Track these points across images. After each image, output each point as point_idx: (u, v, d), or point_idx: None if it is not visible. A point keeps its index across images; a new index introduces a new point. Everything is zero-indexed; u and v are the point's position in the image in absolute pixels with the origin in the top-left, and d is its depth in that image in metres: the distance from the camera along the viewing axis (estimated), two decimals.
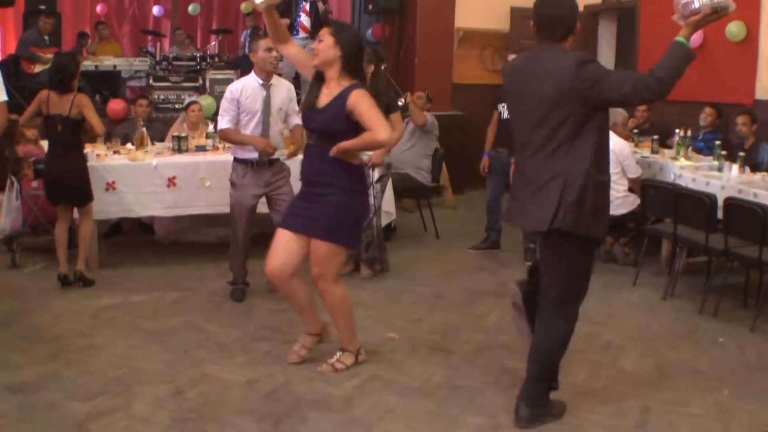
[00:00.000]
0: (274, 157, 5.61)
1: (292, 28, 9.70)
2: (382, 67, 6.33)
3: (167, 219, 7.27)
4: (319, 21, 9.49)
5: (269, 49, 5.43)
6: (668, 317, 5.60)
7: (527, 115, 3.75)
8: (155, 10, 14.06)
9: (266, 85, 5.54)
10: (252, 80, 5.56)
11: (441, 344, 4.94)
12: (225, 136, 5.72)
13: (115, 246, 7.32)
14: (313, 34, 9.38)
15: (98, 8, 13.59)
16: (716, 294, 5.68)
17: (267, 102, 5.54)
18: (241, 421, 3.82)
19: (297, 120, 5.73)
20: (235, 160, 5.68)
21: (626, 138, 7.07)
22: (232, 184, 5.69)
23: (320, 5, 9.49)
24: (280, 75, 7.50)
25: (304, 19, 9.49)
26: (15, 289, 5.94)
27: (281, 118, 5.71)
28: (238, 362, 4.57)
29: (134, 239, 7.65)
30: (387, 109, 6.16)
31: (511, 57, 6.98)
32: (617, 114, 6.81)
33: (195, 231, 7.49)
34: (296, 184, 4.97)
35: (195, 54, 10.64)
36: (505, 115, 7.06)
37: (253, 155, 5.55)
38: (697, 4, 3.46)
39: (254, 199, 5.65)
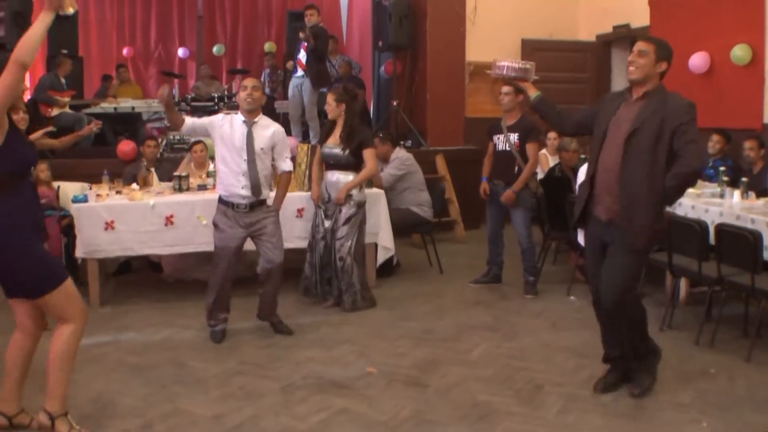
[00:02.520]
0: (261, 197, 5.57)
1: (293, 68, 9.83)
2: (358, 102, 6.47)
3: (174, 257, 7.37)
4: (310, 59, 9.56)
5: (244, 88, 5.53)
6: (661, 349, 5.47)
7: None
8: (180, 51, 14.36)
9: (248, 123, 5.53)
10: (238, 116, 5.60)
11: (417, 379, 4.91)
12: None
13: (121, 284, 7.45)
14: (308, 72, 9.51)
15: (124, 51, 13.94)
16: (717, 324, 5.56)
17: (249, 139, 5.50)
18: None
19: (284, 166, 5.76)
20: (219, 200, 5.66)
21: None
22: (215, 226, 5.66)
23: (301, 34, 9.52)
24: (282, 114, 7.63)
25: (302, 56, 9.57)
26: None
27: (265, 159, 5.62)
28: (212, 397, 4.60)
29: (141, 277, 7.77)
30: (359, 145, 6.28)
31: (506, 89, 7.01)
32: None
33: (199, 268, 7.57)
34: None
35: (213, 95, 10.81)
36: (501, 147, 7.03)
37: (233, 197, 5.53)
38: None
39: (239, 241, 5.60)
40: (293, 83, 9.78)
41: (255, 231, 5.60)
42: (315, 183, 6.55)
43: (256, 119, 5.57)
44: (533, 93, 4.82)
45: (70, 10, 3.66)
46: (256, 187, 5.51)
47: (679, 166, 4.20)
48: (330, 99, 6.42)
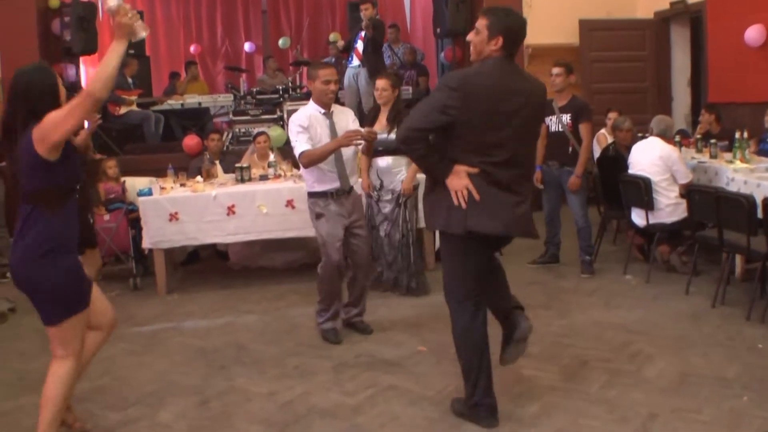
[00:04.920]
0: (353, 183, 5.50)
1: (349, 54, 10.01)
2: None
3: (240, 245, 7.65)
4: (368, 49, 9.72)
5: (327, 82, 5.30)
6: (711, 325, 5.48)
7: (522, 132, 3.85)
8: (247, 46, 14.70)
9: (328, 114, 5.41)
10: (313, 110, 5.41)
11: None
12: (307, 158, 5.25)
13: (188, 273, 7.80)
14: (365, 62, 9.69)
15: (192, 48, 14.36)
16: None
17: (333, 130, 5.37)
18: (251, 428, 4.10)
19: None
20: (312, 195, 5.44)
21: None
22: (318, 216, 5.40)
23: (364, 22, 9.69)
24: (342, 104, 7.85)
25: (360, 46, 9.74)
26: None
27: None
28: (268, 376, 4.84)
29: (208, 266, 8.10)
30: None
31: (557, 70, 7.05)
32: (661, 121, 6.77)
33: (264, 256, 7.85)
34: None
35: (278, 87, 11.05)
36: (553, 128, 7.06)
37: (333, 185, 5.38)
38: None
39: (344, 228, 5.40)
40: (349, 73, 9.96)
41: (352, 222, 5.44)
42: (365, 173, 6.62)
43: (332, 108, 5.46)
44: None
45: (143, 34, 3.56)
46: (344, 178, 5.40)
47: None
48: (385, 84, 6.44)
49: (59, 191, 3.56)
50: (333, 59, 12.65)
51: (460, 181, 3.76)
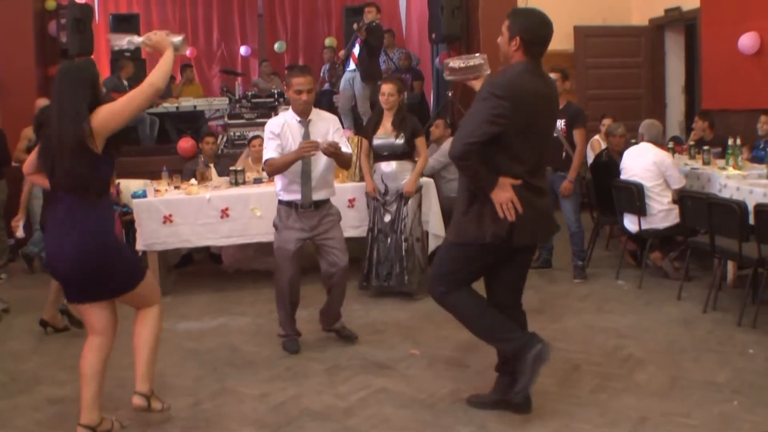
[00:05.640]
0: (321, 198, 5.29)
1: (347, 60, 10.05)
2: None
3: (234, 248, 7.67)
4: (363, 53, 9.73)
5: (299, 92, 5.14)
6: (703, 330, 5.51)
7: (547, 138, 4.03)
8: (242, 50, 14.74)
9: (304, 122, 5.25)
10: (290, 117, 5.28)
11: (459, 360, 5.06)
12: (269, 167, 5.19)
13: (181, 275, 7.80)
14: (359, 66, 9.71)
15: (188, 51, 14.36)
16: (759, 305, 5.58)
17: (307, 139, 5.15)
18: (243, 430, 4.11)
19: (345, 149, 5.22)
20: (279, 202, 5.34)
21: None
22: (275, 228, 5.34)
23: (355, 26, 9.71)
24: (337, 108, 7.86)
25: (356, 50, 9.76)
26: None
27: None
28: (260, 378, 4.86)
29: (201, 269, 8.11)
30: (412, 133, 6.41)
31: (552, 75, 7.06)
32: (652, 126, 6.82)
33: (258, 259, 7.85)
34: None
35: (273, 91, 11.09)
36: None
37: (296, 198, 5.23)
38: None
39: (298, 243, 5.23)
40: (345, 77, 10.02)
41: (318, 234, 5.28)
42: (368, 176, 6.64)
43: (310, 116, 5.29)
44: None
45: (179, 38, 3.96)
46: (305, 192, 5.23)
47: None
48: (392, 89, 6.43)
49: (104, 181, 3.82)
50: (328, 64, 12.72)
51: (505, 194, 3.75)
